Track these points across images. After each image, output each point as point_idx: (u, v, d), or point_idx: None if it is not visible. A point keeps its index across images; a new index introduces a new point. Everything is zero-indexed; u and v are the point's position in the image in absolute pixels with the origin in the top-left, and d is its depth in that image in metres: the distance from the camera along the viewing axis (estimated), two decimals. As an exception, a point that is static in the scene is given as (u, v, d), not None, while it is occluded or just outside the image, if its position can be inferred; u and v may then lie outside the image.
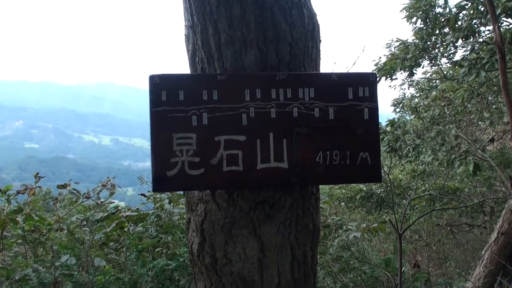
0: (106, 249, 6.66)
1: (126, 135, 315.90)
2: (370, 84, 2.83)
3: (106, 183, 7.66)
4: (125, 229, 6.76)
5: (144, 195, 7.71)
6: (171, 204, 7.20)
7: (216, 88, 2.63)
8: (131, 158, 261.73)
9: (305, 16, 2.89)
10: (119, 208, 7.37)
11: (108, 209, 7.29)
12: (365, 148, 2.79)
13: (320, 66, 3.09)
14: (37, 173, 7.41)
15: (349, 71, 3.55)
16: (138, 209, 7.18)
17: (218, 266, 2.82)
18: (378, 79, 9.79)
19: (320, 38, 3.05)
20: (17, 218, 6.15)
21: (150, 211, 7.02)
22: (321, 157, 2.72)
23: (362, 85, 2.81)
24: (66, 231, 6.81)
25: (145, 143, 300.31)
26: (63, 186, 7.47)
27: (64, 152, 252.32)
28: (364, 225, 7.74)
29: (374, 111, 2.81)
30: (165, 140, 2.57)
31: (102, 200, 7.55)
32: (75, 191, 7.33)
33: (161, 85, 2.60)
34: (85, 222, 6.89)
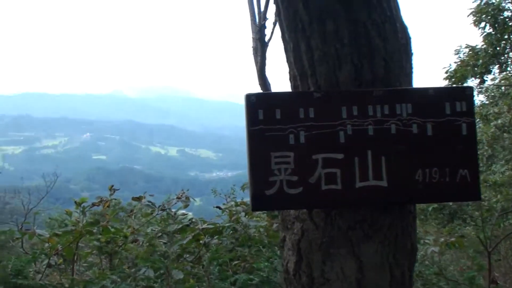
0: (180, 261, 6.70)
1: (192, 146, 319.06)
2: (467, 98, 2.75)
3: (181, 195, 7.73)
4: (201, 241, 6.80)
5: (220, 208, 7.74)
6: (247, 217, 7.20)
7: (313, 106, 2.61)
8: (197, 168, 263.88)
9: (398, 29, 2.84)
10: (193, 220, 7.42)
11: (182, 221, 7.35)
12: (464, 165, 2.70)
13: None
14: (112, 186, 7.55)
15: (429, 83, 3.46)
16: (212, 221, 7.21)
17: (315, 286, 2.77)
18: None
19: (412, 51, 3.00)
20: (93, 230, 6.27)
21: (226, 224, 7.02)
22: (420, 175, 2.67)
23: (459, 100, 2.73)
24: (141, 242, 6.91)
25: (210, 154, 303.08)
26: (138, 199, 7.57)
27: (131, 163, 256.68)
28: (442, 239, 7.54)
29: (472, 126, 2.72)
30: (263, 159, 2.57)
31: (175, 211, 7.62)
32: (150, 203, 7.42)
33: (257, 104, 2.59)
34: (160, 234, 6.95)
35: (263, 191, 2.57)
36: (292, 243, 2.84)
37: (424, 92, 2.73)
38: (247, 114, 2.60)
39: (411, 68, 2.95)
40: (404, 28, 2.91)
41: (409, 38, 2.94)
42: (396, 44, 2.82)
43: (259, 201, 2.59)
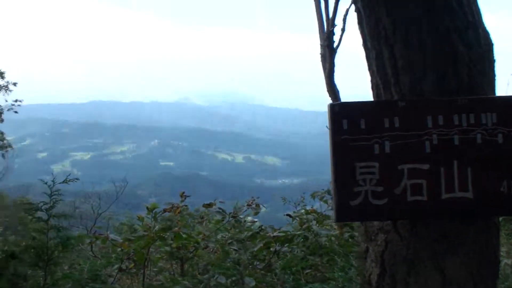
0: (251, 268, 6.70)
1: (258, 153, 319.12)
2: (554, 106, 2.66)
3: (251, 202, 7.75)
4: (271, 249, 6.80)
5: (290, 216, 7.72)
6: (318, 225, 7.17)
7: (398, 115, 2.57)
8: (263, 175, 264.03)
9: (481, 35, 2.78)
10: (262, 227, 7.43)
11: (251, 227, 7.37)
12: (550, 176, 2.61)
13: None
14: (183, 192, 7.64)
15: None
16: (281, 228, 7.19)
17: (398, 299, 2.73)
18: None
19: (495, 58, 2.92)
20: (165, 236, 6.35)
21: (297, 232, 6.99)
22: (505, 186, 2.59)
23: (545, 108, 2.64)
24: (212, 249, 6.96)
25: (276, 161, 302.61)
26: (209, 205, 7.64)
27: (198, 170, 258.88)
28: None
29: (558, 136, 2.63)
30: (348, 169, 2.54)
31: (244, 218, 7.65)
32: (221, 210, 7.47)
33: (341, 114, 2.57)
34: (230, 241, 6.98)
35: (348, 201, 2.54)
36: (376, 254, 2.80)
37: (509, 100, 2.66)
38: (331, 124, 2.58)
39: (494, 75, 2.89)
40: (486, 34, 2.85)
41: (492, 44, 2.87)
42: (479, 51, 2.76)
43: (343, 212, 2.56)
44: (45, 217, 5.20)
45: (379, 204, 2.55)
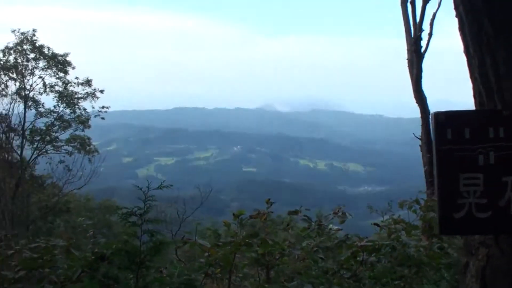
0: (337, 277, 6.65)
1: (341, 159, 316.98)
2: None
3: (338, 211, 7.71)
4: (358, 258, 6.73)
5: (378, 225, 7.63)
6: (406, 235, 7.05)
7: (503, 125, 2.49)
8: (346, 182, 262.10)
9: None
10: (348, 235, 7.37)
11: (337, 236, 7.32)
12: None
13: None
14: (269, 199, 7.67)
15: None
16: (368, 238, 7.10)
17: (498, 315, 2.63)
18: None
19: None
20: (252, 242, 6.38)
21: (386, 242, 6.89)
22: None
23: None
24: (297, 256, 6.95)
25: (359, 168, 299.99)
26: (294, 213, 7.63)
27: (280, 176, 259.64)
28: None
29: None
30: (452, 180, 2.48)
31: (329, 226, 7.60)
32: (306, 218, 7.45)
33: (446, 123, 2.51)
34: (316, 249, 6.95)
35: (451, 214, 2.48)
36: (476, 269, 2.72)
37: None
38: (435, 133, 2.53)
39: None
40: None
41: None
42: None
43: (448, 225, 2.49)
44: (138, 221, 5.35)
45: (482, 217, 2.48)
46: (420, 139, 13.26)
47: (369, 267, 6.49)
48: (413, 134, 13.60)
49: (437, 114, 2.53)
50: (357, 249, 6.63)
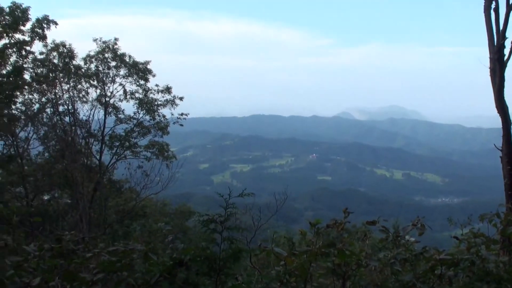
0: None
1: (418, 170, 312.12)
2: None
3: (417, 222, 7.61)
4: (435, 272, 6.62)
5: (457, 238, 7.48)
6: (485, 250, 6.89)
7: None
8: (422, 193, 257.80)
9: None
10: (426, 248, 7.26)
11: (415, 248, 7.22)
12: None
13: None
14: (346, 208, 7.64)
15: None
16: (446, 251, 6.97)
17: None
18: None
19: None
20: (328, 252, 6.37)
21: (465, 256, 6.75)
22: None
23: None
24: (374, 267, 6.90)
25: (437, 179, 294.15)
26: (372, 223, 7.58)
27: (355, 185, 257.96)
28: None
29: None
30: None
31: (407, 237, 7.50)
32: (384, 229, 7.39)
33: None
34: (393, 260, 6.88)
35: None
36: None
37: None
38: None
39: None
40: None
41: None
42: None
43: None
44: (218, 228, 5.45)
45: None
46: (500, 150, 12.91)
47: (447, 281, 6.38)
48: (494, 145, 13.25)
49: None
50: (435, 262, 6.53)
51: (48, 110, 30.62)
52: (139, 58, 33.31)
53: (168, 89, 33.51)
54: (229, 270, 5.52)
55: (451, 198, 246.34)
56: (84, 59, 32.23)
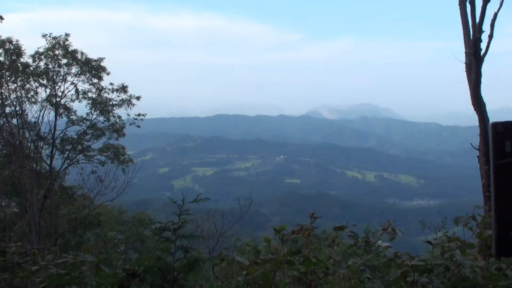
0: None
1: (391, 171, 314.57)
2: None
3: (387, 226, 7.63)
4: (407, 279, 6.65)
5: (430, 243, 7.52)
6: (461, 254, 6.94)
7: None
8: (396, 196, 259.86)
9: None
10: (398, 254, 7.28)
11: (386, 254, 7.24)
12: None
13: None
14: (313, 213, 7.63)
15: None
16: (419, 256, 7.01)
17: None
18: None
19: None
20: (294, 260, 6.36)
21: (439, 262, 6.79)
22: None
23: None
24: (343, 275, 6.92)
25: (412, 180, 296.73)
26: (340, 228, 7.58)
27: (326, 189, 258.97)
28: None
29: None
30: (510, 196, 2.40)
31: (377, 243, 7.52)
32: (353, 234, 7.40)
33: (505, 134, 2.43)
34: (362, 267, 6.90)
35: (510, 233, 2.41)
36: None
37: None
38: (493, 146, 2.45)
39: None
40: None
41: None
42: None
43: (504, 246, 2.42)
44: (172, 237, 5.39)
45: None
46: (478, 149, 13.02)
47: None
48: (471, 144, 13.37)
49: (495, 125, 2.46)
50: (407, 268, 6.56)
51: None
52: (93, 54, 32.96)
53: (123, 88, 33.22)
54: (184, 281, 5.46)
55: (427, 200, 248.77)
56: (33, 57, 31.68)
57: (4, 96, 29.24)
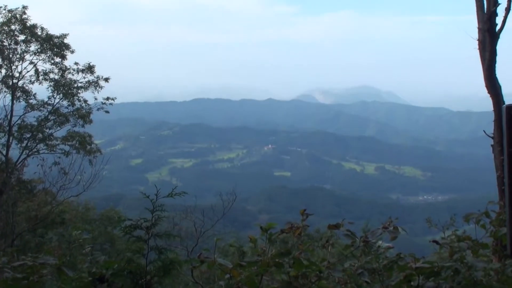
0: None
1: (394, 162, 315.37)
2: None
3: (388, 224, 7.64)
4: (412, 283, 6.67)
5: (437, 242, 7.54)
6: (472, 255, 6.96)
7: None
8: (399, 190, 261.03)
9: None
10: (401, 255, 7.29)
11: (387, 256, 7.25)
12: None
13: None
14: (304, 210, 7.63)
15: None
16: (425, 258, 7.01)
17: None
18: None
19: None
20: (283, 262, 6.36)
21: (446, 264, 6.80)
22: None
23: None
24: (338, 279, 6.93)
25: (417, 173, 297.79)
26: (335, 227, 7.58)
27: (320, 182, 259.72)
28: None
29: None
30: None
31: (377, 243, 7.54)
32: (349, 233, 7.40)
33: None
34: (360, 270, 6.91)
35: None
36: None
37: None
38: (507, 131, 2.44)
39: None
40: None
41: None
42: None
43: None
44: (145, 236, 5.35)
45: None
46: (492, 137, 12.95)
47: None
48: (484, 131, 13.30)
49: (510, 108, 2.45)
50: (411, 271, 6.55)
51: None
52: (55, 30, 32.78)
53: (90, 68, 32.95)
54: (158, 285, 5.45)
55: (435, 195, 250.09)
56: (-15, 33, 31.49)
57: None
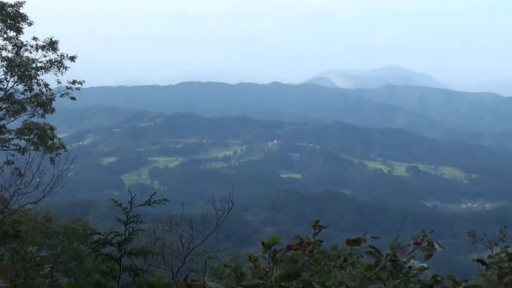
0: None
1: (430, 161, 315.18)
2: None
3: (421, 239, 7.61)
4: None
5: (483, 262, 7.51)
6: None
7: None
8: (437, 196, 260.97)
9: None
10: (437, 277, 7.27)
11: (420, 279, 7.23)
12: None
13: None
14: (317, 221, 7.59)
15: None
16: (468, 281, 7.01)
17: None
18: None
19: None
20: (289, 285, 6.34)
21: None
22: None
23: None
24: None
25: (459, 175, 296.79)
26: (356, 242, 7.55)
27: (337, 186, 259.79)
28: None
29: None
30: None
31: (405, 261, 7.51)
32: (373, 250, 7.37)
33: None
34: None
35: None
36: None
37: None
38: None
39: None
40: None
41: None
42: None
43: None
44: (117, 254, 5.30)
45: None
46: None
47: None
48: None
49: None
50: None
51: None
52: (9, -1, 32.66)
53: (52, 44, 32.84)
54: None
55: (481, 202, 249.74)
56: None
57: None
